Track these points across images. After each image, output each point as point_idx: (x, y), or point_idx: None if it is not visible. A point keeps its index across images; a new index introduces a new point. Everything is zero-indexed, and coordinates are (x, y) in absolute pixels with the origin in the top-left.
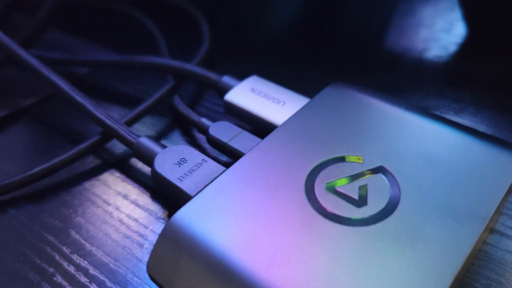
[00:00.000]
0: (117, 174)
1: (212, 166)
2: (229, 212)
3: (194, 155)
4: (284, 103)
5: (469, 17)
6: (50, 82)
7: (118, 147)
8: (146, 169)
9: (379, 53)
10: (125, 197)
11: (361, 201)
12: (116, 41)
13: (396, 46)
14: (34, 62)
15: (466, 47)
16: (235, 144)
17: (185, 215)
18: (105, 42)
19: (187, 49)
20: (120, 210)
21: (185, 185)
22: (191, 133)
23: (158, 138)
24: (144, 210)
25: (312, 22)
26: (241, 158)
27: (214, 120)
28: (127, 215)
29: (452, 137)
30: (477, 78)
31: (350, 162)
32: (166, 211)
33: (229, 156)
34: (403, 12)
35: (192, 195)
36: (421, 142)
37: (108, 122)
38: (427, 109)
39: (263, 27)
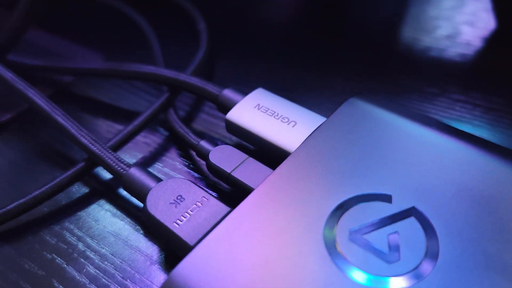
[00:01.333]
0: (107, 206)
1: (214, 205)
2: (236, 267)
3: (193, 191)
4: (296, 123)
5: (500, 9)
6: (26, 99)
7: (106, 172)
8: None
9: (394, 51)
10: (116, 235)
11: (392, 255)
12: (105, 41)
13: (414, 43)
14: (8, 76)
15: (494, 42)
16: (240, 176)
17: (187, 270)
18: (93, 42)
19: (183, 49)
20: (110, 253)
21: (183, 232)
22: (188, 155)
23: (152, 159)
24: (137, 252)
25: (319, 18)
26: (248, 196)
27: (215, 137)
28: (118, 258)
29: (498, 167)
30: (511, 79)
31: (377, 202)
32: (162, 254)
33: (232, 187)
34: (420, 3)
35: (191, 244)
36: (459, 173)
37: (94, 148)
38: (457, 121)
39: (265, 22)
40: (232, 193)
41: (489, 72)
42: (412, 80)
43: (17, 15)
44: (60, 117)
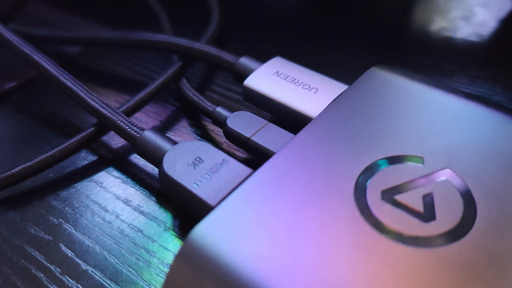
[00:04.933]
0: (116, 173)
1: (235, 167)
2: (261, 227)
3: (212, 153)
4: (317, 89)
5: None
6: (33, 63)
7: (116, 140)
8: (151, 167)
9: (409, 31)
10: (127, 202)
11: (428, 214)
12: (110, 16)
13: (428, 23)
14: (14, 39)
15: (510, 23)
16: (260, 140)
17: (207, 231)
18: (97, 18)
19: (192, 26)
20: (120, 219)
21: (204, 192)
22: (201, 124)
23: (162, 130)
24: (149, 219)
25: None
26: (271, 158)
27: (230, 109)
28: (129, 225)
29: None
30: None
31: (407, 163)
32: (177, 220)
33: (251, 153)
34: None
35: (213, 205)
36: (490, 138)
37: (105, 112)
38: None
39: (276, 2)
40: (250, 161)
41: (507, 50)
42: (429, 58)
43: None
44: (69, 81)
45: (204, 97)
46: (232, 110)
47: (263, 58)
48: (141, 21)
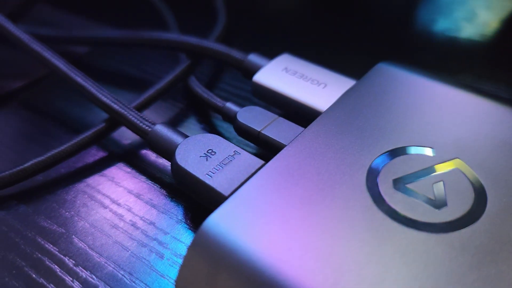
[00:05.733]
0: (127, 168)
1: (247, 159)
2: (275, 216)
3: (224, 146)
4: (326, 85)
5: None
6: (43, 61)
7: (126, 136)
8: (161, 162)
9: (412, 31)
10: (138, 196)
11: (439, 201)
12: (116, 17)
13: (431, 24)
14: (25, 37)
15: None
16: (271, 133)
17: (221, 220)
18: (102, 19)
19: (198, 26)
20: (132, 212)
21: (217, 183)
22: (210, 121)
23: (173, 125)
24: (161, 212)
25: None
26: (283, 150)
27: (240, 105)
28: (141, 218)
29: None
30: None
31: (418, 154)
32: (189, 213)
33: (261, 147)
34: None
35: (226, 194)
36: (498, 129)
37: (116, 107)
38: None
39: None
40: (260, 155)
41: (510, 49)
42: (433, 57)
43: None
44: (80, 77)
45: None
46: (241, 106)
47: (269, 55)
48: (147, 21)
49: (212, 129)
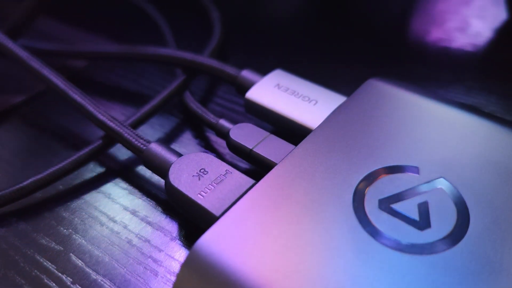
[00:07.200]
0: (123, 184)
1: (238, 178)
2: (264, 236)
3: (216, 165)
4: (316, 101)
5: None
6: (41, 78)
7: (122, 151)
8: (157, 178)
9: (405, 42)
10: (134, 213)
11: (423, 222)
12: (114, 30)
13: (424, 34)
14: (23, 55)
15: (505, 33)
16: (262, 151)
17: (212, 241)
18: (101, 32)
19: (195, 37)
20: (128, 229)
21: (208, 203)
22: (205, 136)
23: (167, 142)
24: (156, 229)
25: (330, 9)
26: (273, 169)
27: (233, 121)
28: (137, 235)
29: None
30: None
31: (403, 173)
32: (183, 230)
33: (253, 164)
34: None
35: (217, 215)
36: (484, 147)
37: (112, 125)
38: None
39: (277, 12)
40: (252, 171)
41: (503, 61)
42: (426, 68)
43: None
44: (77, 95)
45: (207, 109)
46: (234, 122)
47: (264, 67)
48: (144, 32)
49: (206, 143)
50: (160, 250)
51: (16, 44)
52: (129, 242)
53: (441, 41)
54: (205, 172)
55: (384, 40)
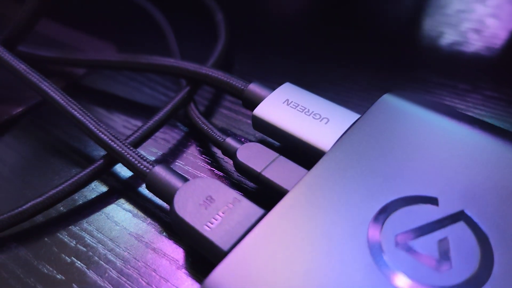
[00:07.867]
0: (126, 206)
1: (247, 207)
2: (275, 274)
3: (223, 192)
4: (328, 120)
5: None
6: (40, 92)
7: (125, 169)
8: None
9: (419, 46)
10: (138, 238)
11: (443, 263)
12: (118, 33)
13: (439, 36)
14: (21, 67)
15: None
16: (272, 175)
17: (221, 278)
18: (104, 35)
19: (199, 42)
20: (133, 256)
21: (216, 236)
22: (211, 152)
23: (172, 156)
24: (161, 257)
25: (339, 11)
26: (283, 199)
27: (240, 135)
28: (142, 264)
29: None
30: None
31: (422, 205)
32: (189, 258)
33: (262, 187)
34: None
35: (225, 249)
36: (508, 175)
37: (114, 145)
38: (492, 119)
39: (285, 16)
40: (260, 192)
41: None
42: (441, 75)
43: (29, 7)
44: (77, 111)
45: (213, 122)
46: (240, 137)
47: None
48: (147, 33)
49: (213, 160)
50: (166, 281)
51: (13, 56)
52: (135, 271)
53: (456, 45)
54: (212, 200)
55: (397, 44)
